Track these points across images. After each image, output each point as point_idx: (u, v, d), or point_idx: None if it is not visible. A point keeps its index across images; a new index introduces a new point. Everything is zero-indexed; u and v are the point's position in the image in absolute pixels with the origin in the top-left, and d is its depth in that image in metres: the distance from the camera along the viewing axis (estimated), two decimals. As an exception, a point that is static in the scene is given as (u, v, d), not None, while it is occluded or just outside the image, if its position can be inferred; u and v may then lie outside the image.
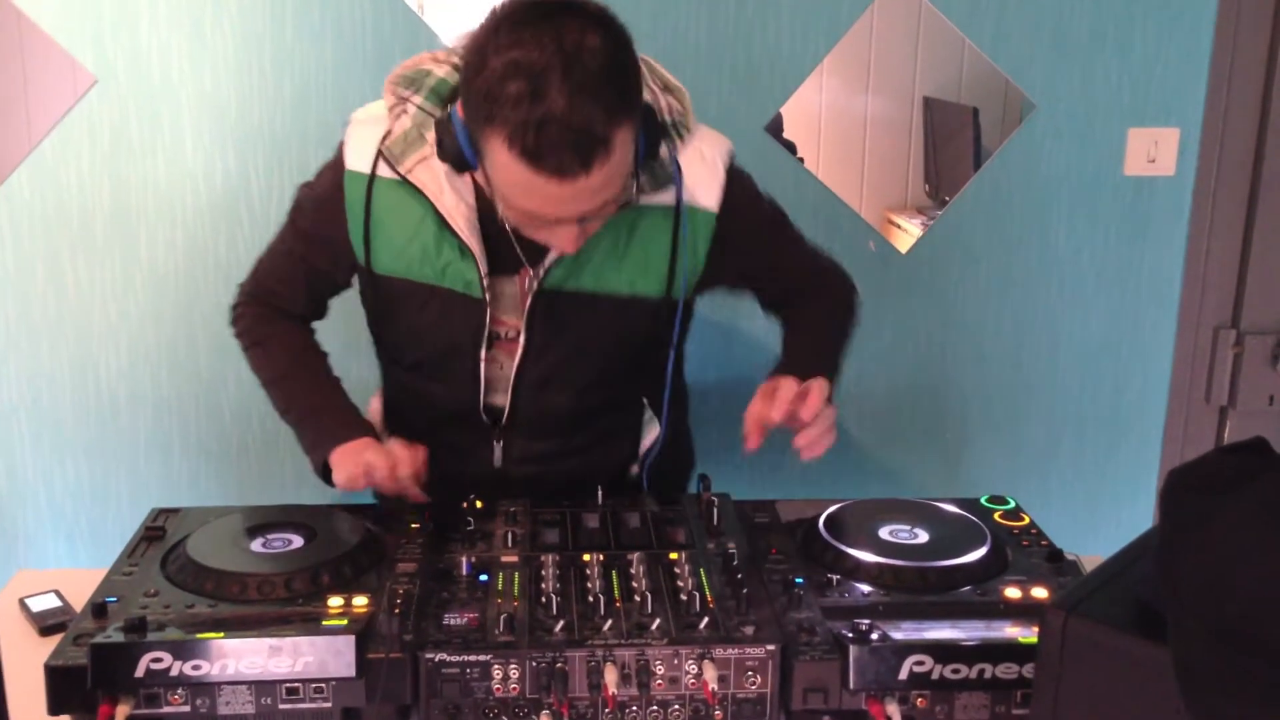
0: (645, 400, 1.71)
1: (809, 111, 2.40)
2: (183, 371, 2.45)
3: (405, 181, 1.51)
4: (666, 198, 1.53)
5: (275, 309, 1.71)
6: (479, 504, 1.59)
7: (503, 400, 1.62)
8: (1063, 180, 2.45)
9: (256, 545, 1.44)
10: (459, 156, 1.40)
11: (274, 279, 1.70)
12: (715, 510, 1.56)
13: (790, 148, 2.42)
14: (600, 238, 1.51)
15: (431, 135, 1.48)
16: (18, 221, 2.35)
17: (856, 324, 1.77)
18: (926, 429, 2.59)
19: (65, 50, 2.26)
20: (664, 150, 1.49)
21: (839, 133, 2.42)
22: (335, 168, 1.58)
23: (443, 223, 1.51)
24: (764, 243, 1.67)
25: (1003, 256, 2.50)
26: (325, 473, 1.61)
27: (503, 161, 1.31)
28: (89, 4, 2.25)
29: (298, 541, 1.45)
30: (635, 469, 1.74)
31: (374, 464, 1.54)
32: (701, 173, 1.55)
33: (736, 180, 1.59)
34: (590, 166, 1.29)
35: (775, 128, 2.40)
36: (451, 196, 1.50)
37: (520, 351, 1.58)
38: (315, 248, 1.64)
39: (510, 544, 1.49)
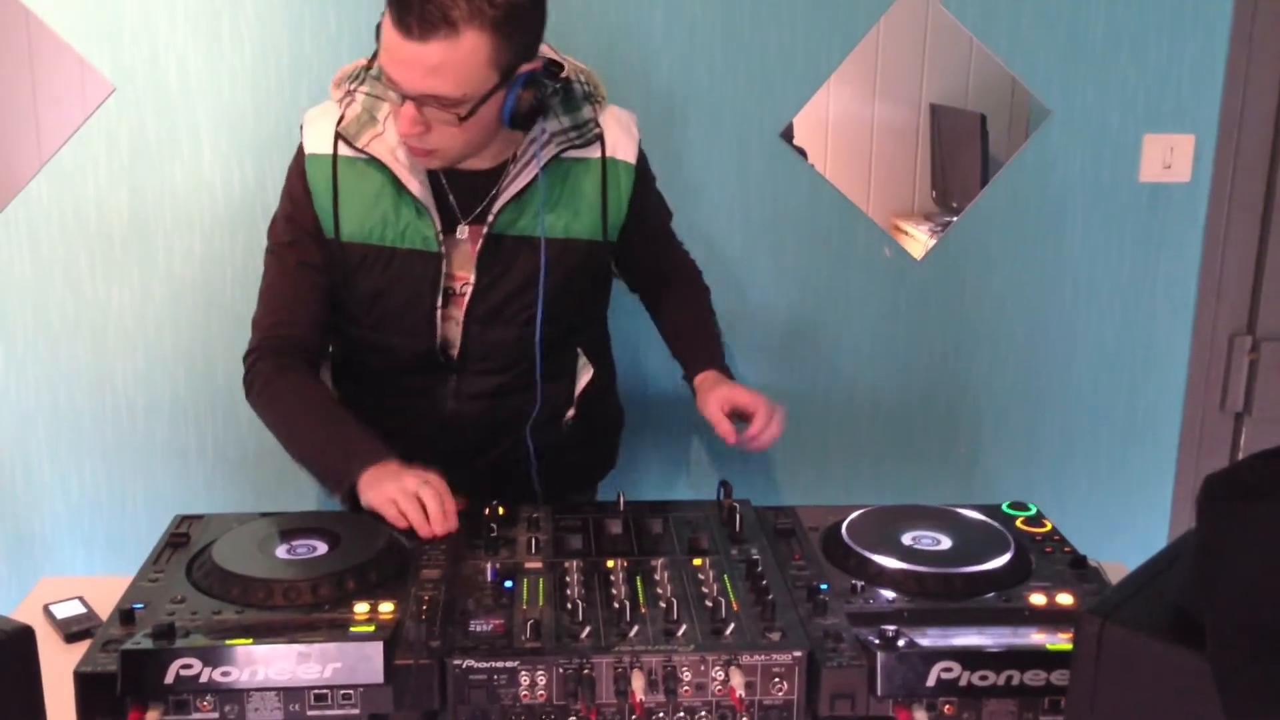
0: (579, 349, 1.88)
1: (819, 118, 2.40)
2: (200, 378, 2.45)
3: (363, 157, 1.68)
4: (593, 152, 1.74)
5: (286, 352, 1.75)
6: (501, 510, 1.60)
7: (455, 349, 1.77)
8: (1078, 186, 2.45)
9: (282, 551, 1.44)
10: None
11: (277, 313, 1.76)
12: (737, 516, 1.57)
13: (801, 154, 2.42)
14: (538, 189, 1.70)
15: (382, 114, 1.68)
16: (36, 229, 2.36)
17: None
18: (941, 434, 2.59)
19: (84, 59, 2.27)
20: (589, 111, 1.74)
21: (848, 139, 2.42)
22: (296, 161, 1.74)
23: (399, 188, 1.68)
24: (657, 214, 1.93)
25: (1018, 262, 2.50)
26: (353, 501, 1.62)
27: (385, 18, 1.52)
28: (108, 13, 2.25)
29: (322, 548, 1.45)
30: (571, 412, 1.88)
31: (413, 516, 1.54)
32: (619, 132, 1.77)
33: (641, 146, 1.82)
34: (429, 38, 1.48)
35: (787, 134, 2.41)
36: (405, 163, 1.67)
37: (471, 289, 1.73)
38: (305, 247, 1.73)
39: (534, 550, 1.49)
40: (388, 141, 1.67)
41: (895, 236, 2.47)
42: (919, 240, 2.48)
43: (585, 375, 1.88)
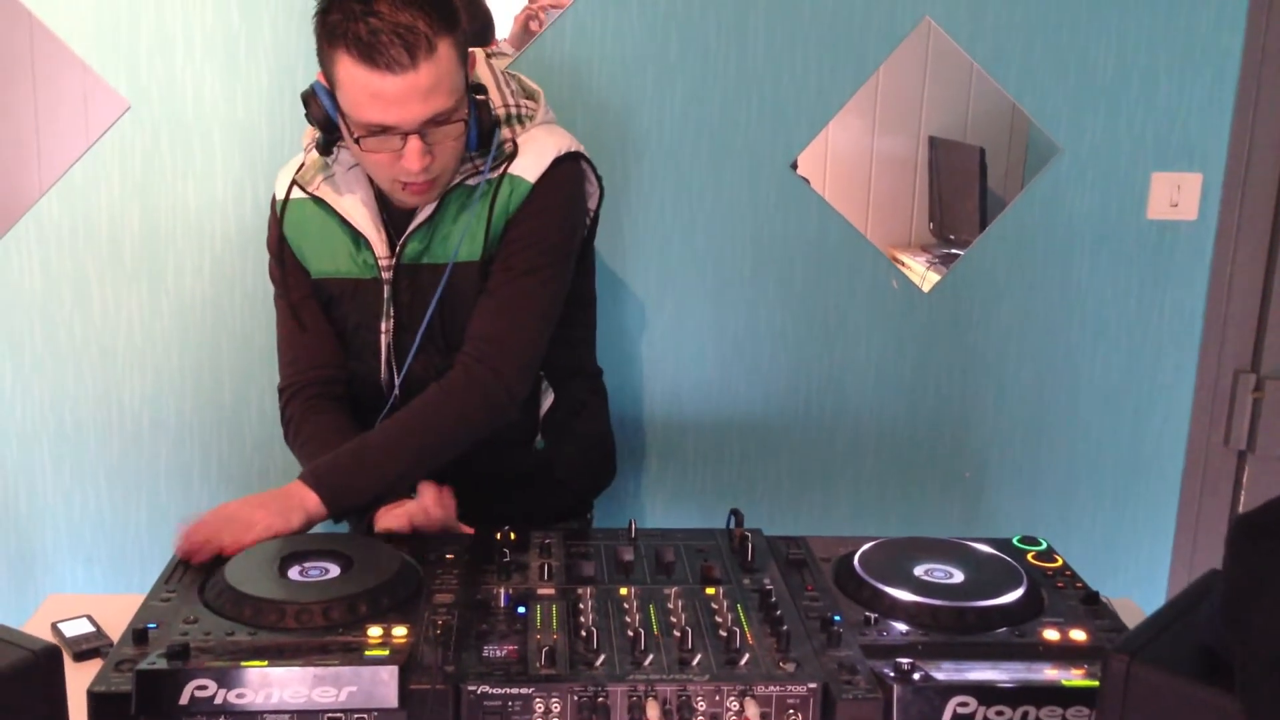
0: (541, 374, 1.86)
1: (821, 149, 2.42)
2: (207, 398, 2.45)
3: (314, 199, 1.78)
4: (497, 173, 1.73)
5: (311, 391, 1.82)
6: (513, 536, 1.60)
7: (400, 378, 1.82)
8: (1086, 222, 2.47)
9: (294, 573, 1.44)
10: (325, 118, 1.65)
11: (297, 349, 1.85)
12: (749, 545, 1.57)
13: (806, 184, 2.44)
14: (447, 212, 1.73)
15: (332, 157, 1.76)
16: (46, 244, 2.36)
17: (463, 435, 1.72)
18: (947, 465, 2.59)
19: (99, 75, 2.28)
20: (507, 132, 1.74)
21: (851, 170, 2.43)
22: (271, 207, 1.85)
23: (344, 223, 1.76)
24: (523, 246, 1.73)
25: (1025, 297, 2.51)
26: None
27: (347, 77, 1.56)
28: (125, 31, 2.27)
29: (334, 570, 1.45)
30: (539, 437, 1.89)
31: (412, 512, 1.63)
32: (534, 153, 1.74)
33: (561, 171, 1.75)
34: (417, 61, 1.53)
35: (796, 165, 2.42)
36: (350, 198, 1.76)
37: (393, 321, 1.78)
38: (290, 285, 1.83)
39: (546, 576, 1.49)
40: (336, 181, 1.77)
41: (902, 268, 2.48)
42: (923, 272, 2.49)
43: (547, 400, 1.89)
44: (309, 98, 1.67)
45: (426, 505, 1.65)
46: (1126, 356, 2.54)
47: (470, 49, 1.69)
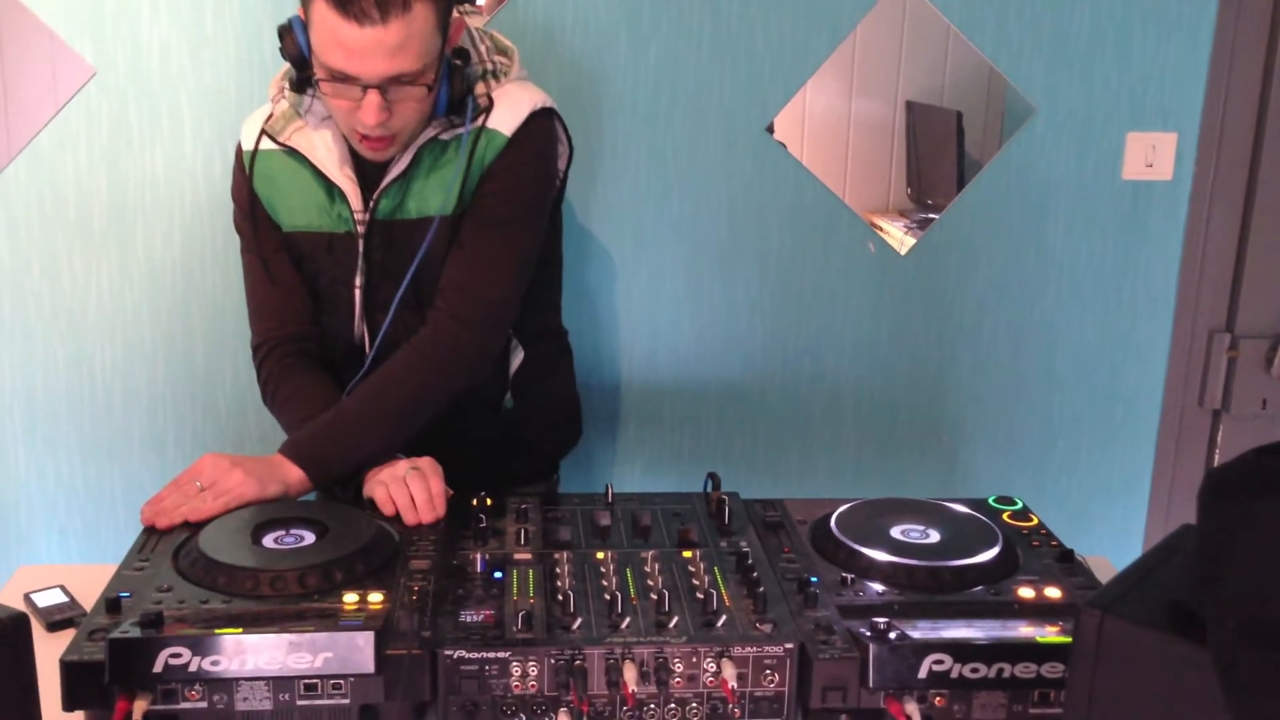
0: (510, 332, 1.84)
1: (798, 113, 2.40)
2: (179, 366, 2.43)
3: (284, 149, 1.74)
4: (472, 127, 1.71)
5: (286, 349, 1.79)
6: (489, 501, 1.59)
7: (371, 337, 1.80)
8: (1061, 183, 2.47)
9: (269, 541, 1.43)
10: (299, 54, 1.62)
11: (269, 305, 1.81)
12: (726, 508, 1.57)
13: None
14: (420, 167, 1.71)
15: (304, 108, 1.73)
16: (14, 213, 2.33)
17: (440, 393, 1.71)
18: (924, 429, 2.60)
19: (65, 42, 2.24)
20: (481, 87, 1.72)
21: (828, 134, 2.42)
22: (236, 158, 1.80)
23: (318, 175, 1.73)
24: (497, 198, 1.73)
25: (1001, 259, 2.51)
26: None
27: (319, 18, 1.54)
28: (89, -5, 2.23)
29: (310, 537, 1.44)
30: (508, 397, 1.88)
31: (400, 500, 1.56)
32: (509, 107, 1.72)
33: (536, 125, 1.73)
34: (389, 18, 1.51)
35: (771, 130, 2.41)
36: (323, 150, 1.73)
37: (363, 277, 1.75)
38: (264, 237, 1.79)
39: (523, 541, 1.49)
40: (308, 133, 1.73)
41: (879, 232, 2.48)
42: (900, 236, 2.48)
43: (516, 359, 1.87)
44: (285, 31, 1.64)
45: (419, 504, 1.55)
46: (1101, 317, 2.55)
47: (456, 15, 1.66)
